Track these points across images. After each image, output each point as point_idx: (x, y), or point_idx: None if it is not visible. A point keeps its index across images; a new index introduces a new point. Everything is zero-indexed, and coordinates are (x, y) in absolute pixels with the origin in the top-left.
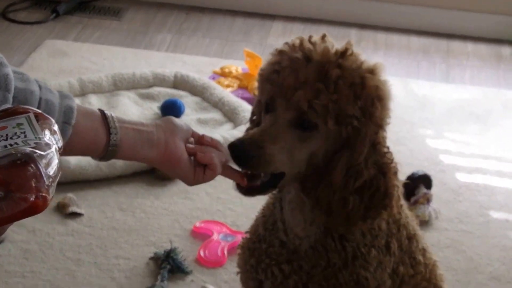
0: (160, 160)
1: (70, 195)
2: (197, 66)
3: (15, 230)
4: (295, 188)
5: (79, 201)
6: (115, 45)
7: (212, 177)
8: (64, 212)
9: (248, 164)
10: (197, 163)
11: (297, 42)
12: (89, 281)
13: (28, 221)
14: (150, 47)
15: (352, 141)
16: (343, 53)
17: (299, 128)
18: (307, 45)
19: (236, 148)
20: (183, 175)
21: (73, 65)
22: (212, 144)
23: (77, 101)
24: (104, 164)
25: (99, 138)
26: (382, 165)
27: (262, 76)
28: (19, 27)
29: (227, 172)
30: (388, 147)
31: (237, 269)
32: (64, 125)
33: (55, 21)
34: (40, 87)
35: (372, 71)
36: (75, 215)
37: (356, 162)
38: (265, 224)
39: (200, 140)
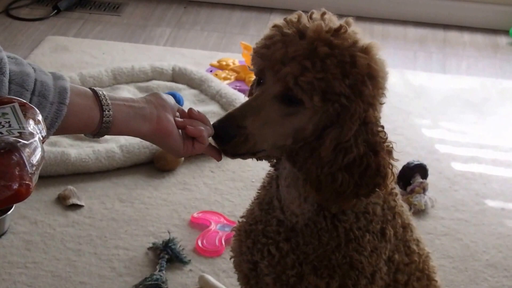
0: (152, 133)
1: (71, 187)
2: (195, 59)
3: (17, 222)
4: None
5: (79, 193)
6: (115, 40)
7: (201, 150)
8: (65, 204)
9: (229, 144)
10: (186, 136)
11: (294, 17)
12: (90, 270)
13: (30, 213)
14: (149, 41)
15: (341, 118)
16: (336, 31)
17: (285, 103)
18: (303, 21)
19: (216, 128)
20: (174, 148)
21: (74, 60)
22: (200, 117)
23: None
24: (103, 157)
25: (93, 115)
26: (374, 143)
27: (255, 50)
28: (22, 23)
29: (207, 147)
30: (382, 126)
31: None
32: (59, 105)
33: (56, 17)
34: (34, 69)
35: (365, 50)
36: (75, 206)
37: (344, 138)
38: (260, 205)
39: (188, 114)
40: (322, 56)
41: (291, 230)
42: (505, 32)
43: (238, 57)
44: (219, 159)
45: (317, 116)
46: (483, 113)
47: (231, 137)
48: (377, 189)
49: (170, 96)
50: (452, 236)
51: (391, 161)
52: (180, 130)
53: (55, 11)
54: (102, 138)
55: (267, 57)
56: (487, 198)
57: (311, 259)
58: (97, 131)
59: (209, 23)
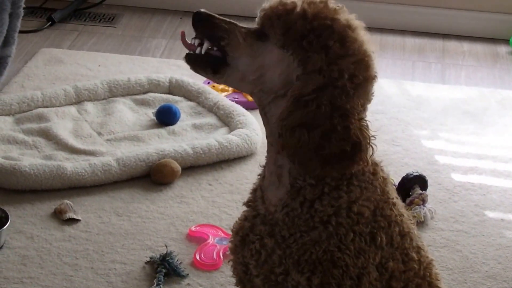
0: None
1: (67, 201)
2: (192, 70)
3: (13, 237)
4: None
5: (75, 207)
6: (110, 52)
7: None
8: (61, 218)
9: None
10: None
11: None
12: (86, 285)
13: (26, 227)
14: (145, 53)
15: (304, 70)
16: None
17: (255, 39)
18: None
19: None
20: None
21: (68, 72)
22: None
23: (73, 109)
24: (100, 170)
25: None
26: (342, 108)
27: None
28: None
29: None
30: (365, 119)
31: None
32: None
33: (50, 29)
34: None
35: (349, 20)
36: (72, 221)
37: (305, 91)
38: (249, 199)
39: None
40: (305, 1)
41: (273, 224)
42: (505, 41)
43: None
44: None
45: (284, 63)
46: (482, 123)
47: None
48: (347, 159)
49: None
50: (452, 248)
51: (367, 134)
52: None
53: (49, 23)
54: (98, 151)
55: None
56: (486, 209)
57: (293, 251)
58: None
59: None
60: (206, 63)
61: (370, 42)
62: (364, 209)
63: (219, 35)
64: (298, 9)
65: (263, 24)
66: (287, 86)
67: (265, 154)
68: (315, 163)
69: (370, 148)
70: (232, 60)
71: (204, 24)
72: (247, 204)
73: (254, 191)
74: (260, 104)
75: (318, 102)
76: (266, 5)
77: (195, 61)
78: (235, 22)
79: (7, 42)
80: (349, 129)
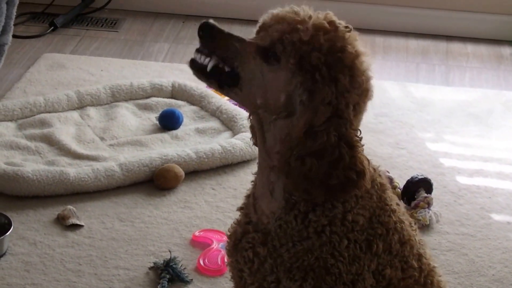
0: None
1: (70, 207)
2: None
3: (16, 243)
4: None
5: (78, 212)
6: (113, 56)
7: None
8: (64, 224)
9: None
10: None
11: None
12: None
13: (29, 233)
14: (148, 57)
15: (315, 101)
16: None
17: (265, 60)
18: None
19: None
20: None
21: (71, 77)
22: None
23: (75, 114)
24: (103, 175)
25: None
26: (348, 138)
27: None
28: (18, 41)
29: None
30: (359, 134)
31: None
32: None
33: (53, 34)
34: None
35: (357, 50)
36: (75, 226)
37: (317, 122)
38: (242, 205)
39: None
40: (316, 27)
41: (266, 233)
42: (509, 42)
43: None
44: None
45: (291, 86)
46: (487, 125)
47: (217, 31)
48: (351, 186)
49: None
50: (457, 251)
51: (368, 161)
52: None
53: (52, 28)
54: (101, 156)
55: (266, 21)
56: (492, 212)
57: (285, 260)
58: None
59: None
60: (214, 78)
61: (370, 64)
62: (359, 217)
63: (232, 56)
64: (313, 39)
65: (274, 46)
66: (289, 108)
67: None
68: (320, 191)
69: (368, 173)
70: (243, 81)
71: (214, 40)
72: (240, 209)
73: (247, 197)
74: (259, 123)
75: (327, 133)
76: (275, 23)
77: (204, 73)
78: (243, 38)
79: (4, 30)
80: (356, 157)
